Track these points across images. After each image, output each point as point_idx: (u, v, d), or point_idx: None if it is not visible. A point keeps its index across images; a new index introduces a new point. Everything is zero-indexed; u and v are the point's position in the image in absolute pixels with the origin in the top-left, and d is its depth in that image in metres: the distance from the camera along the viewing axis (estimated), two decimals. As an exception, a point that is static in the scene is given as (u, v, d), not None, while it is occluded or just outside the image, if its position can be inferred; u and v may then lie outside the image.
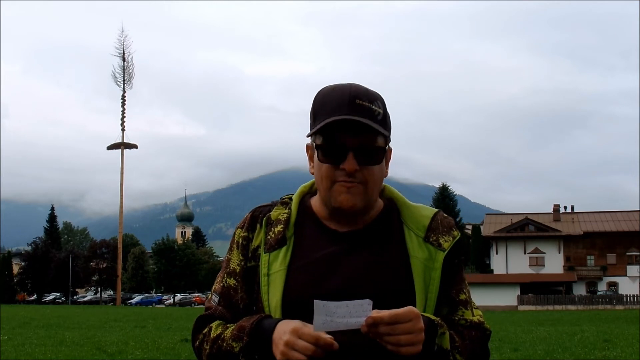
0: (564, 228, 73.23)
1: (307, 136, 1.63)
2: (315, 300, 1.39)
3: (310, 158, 1.66)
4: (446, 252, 1.64)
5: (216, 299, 1.68)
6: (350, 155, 1.55)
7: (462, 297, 1.68)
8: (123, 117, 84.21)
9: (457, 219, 79.05)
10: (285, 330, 1.46)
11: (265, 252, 1.63)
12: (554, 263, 71.81)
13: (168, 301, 79.71)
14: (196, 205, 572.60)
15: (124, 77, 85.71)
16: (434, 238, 1.65)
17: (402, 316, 1.42)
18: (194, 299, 78.64)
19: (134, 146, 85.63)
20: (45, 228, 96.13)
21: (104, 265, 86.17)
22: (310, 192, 1.73)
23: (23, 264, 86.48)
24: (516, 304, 62.05)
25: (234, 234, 1.71)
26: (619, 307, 56.77)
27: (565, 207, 78.70)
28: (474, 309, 1.69)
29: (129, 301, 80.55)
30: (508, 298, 63.20)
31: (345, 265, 1.59)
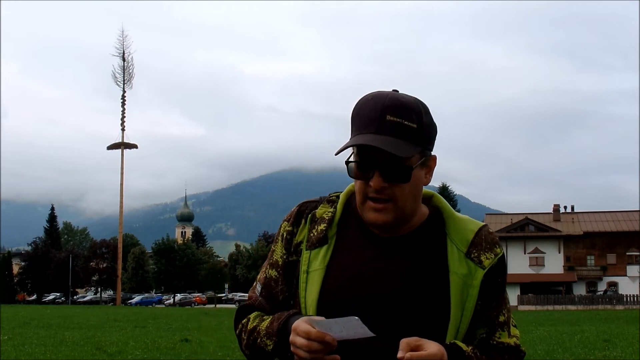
0: (564, 228, 73.24)
1: (335, 154, 1.63)
2: (311, 318, 1.49)
3: None
4: (486, 270, 1.62)
5: (259, 288, 1.72)
6: (377, 173, 1.56)
7: (502, 318, 1.66)
8: (123, 117, 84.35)
9: (457, 219, 79.08)
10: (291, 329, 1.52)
11: (306, 249, 1.65)
12: (554, 263, 71.83)
13: (168, 301, 79.74)
14: (196, 205, 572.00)
15: (124, 77, 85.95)
16: (475, 254, 1.63)
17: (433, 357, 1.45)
18: (194, 299, 78.69)
19: (134, 146, 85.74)
20: (45, 228, 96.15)
21: (104, 265, 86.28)
22: None
23: (23, 264, 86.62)
24: (516, 304, 62.04)
25: (280, 226, 1.74)
26: (619, 307, 56.79)
27: (565, 207, 78.75)
28: (511, 330, 1.68)
29: (129, 301, 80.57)
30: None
31: (383, 272, 1.60)
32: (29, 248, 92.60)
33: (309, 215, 1.69)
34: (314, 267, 1.63)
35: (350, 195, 1.71)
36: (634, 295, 59.88)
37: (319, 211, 1.69)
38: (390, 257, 1.62)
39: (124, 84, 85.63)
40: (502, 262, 1.66)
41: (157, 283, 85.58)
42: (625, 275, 70.37)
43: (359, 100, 1.62)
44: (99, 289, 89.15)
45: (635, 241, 70.59)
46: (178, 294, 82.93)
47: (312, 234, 1.66)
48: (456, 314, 1.58)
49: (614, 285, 70.10)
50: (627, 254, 70.96)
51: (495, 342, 1.64)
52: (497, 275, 1.65)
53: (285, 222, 1.73)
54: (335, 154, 1.62)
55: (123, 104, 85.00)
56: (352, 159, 1.61)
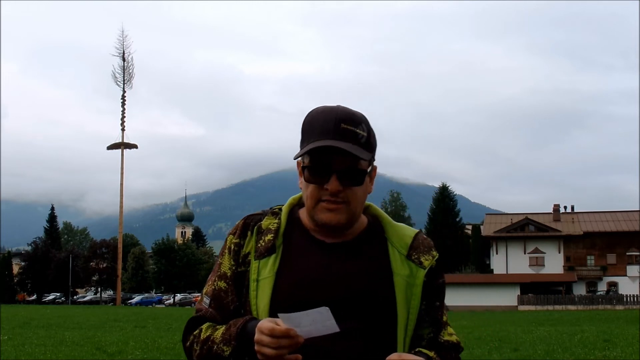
0: (564, 228, 73.24)
1: (294, 158, 1.72)
2: (279, 314, 1.53)
3: (300, 173, 1.75)
4: (426, 270, 1.75)
5: (207, 301, 1.78)
6: (334, 177, 1.65)
7: (445, 318, 1.80)
8: (123, 117, 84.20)
9: (457, 219, 79.12)
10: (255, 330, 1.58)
11: (255, 259, 1.73)
12: (554, 263, 71.83)
13: (168, 301, 79.80)
14: (196, 205, 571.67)
15: (124, 77, 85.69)
16: (416, 256, 1.76)
17: None
18: (194, 299, 78.60)
19: (134, 146, 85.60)
20: (45, 228, 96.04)
21: (104, 265, 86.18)
22: (299, 203, 1.82)
23: (23, 264, 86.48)
24: (516, 304, 62.05)
25: (226, 239, 1.81)
26: (619, 307, 56.79)
27: (565, 207, 78.73)
28: (449, 329, 1.81)
29: (129, 301, 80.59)
30: (508, 298, 63.18)
31: (331, 275, 1.69)
32: (29, 248, 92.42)
33: (255, 227, 1.76)
34: (263, 275, 1.70)
35: (293, 207, 1.81)
36: (634, 295, 59.88)
37: (264, 223, 1.77)
38: (337, 262, 1.71)
39: (124, 84, 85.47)
40: (440, 264, 1.80)
41: (157, 283, 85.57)
42: (625, 275, 70.36)
43: (308, 115, 1.73)
44: (99, 289, 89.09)
45: (635, 241, 70.58)
46: (178, 294, 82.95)
47: (259, 245, 1.74)
48: (403, 313, 1.70)
49: (614, 285, 70.09)
50: (627, 254, 70.94)
51: (442, 341, 1.76)
52: (438, 277, 1.79)
53: (231, 235, 1.80)
54: (295, 158, 1.72)
55: (123, 104, 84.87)
56: (306, 165, 1.69)
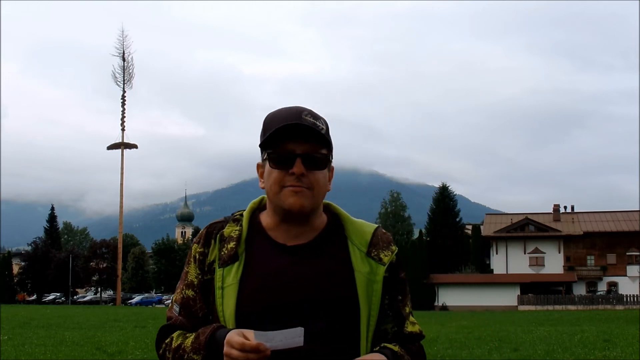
0: (564, 228, 73.23)
1: (259, 145, 1.76)
2: (255, 332, 1.57)
3: (261, 175, 1.81)
4: (386, 266, 1.78)
5: (177, 309, 1.82)
6: (298, 160, 1.71)
7: (407, 309, 1.84)
8: (123, 117, 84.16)
9: (457, 219, 79.06)
10: (224, 342, 1.62)
11: (219, 267, 1.77)
12: (554, 263, 71.82)
13: (168, 301, 79.58)
14: (196, 205, 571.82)
15: (124, 77, 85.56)
16: (375, 253, 1.80)
17: None
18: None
19: (134, 146, 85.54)
20: (45, 228, 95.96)
21: (104, 265, 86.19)
22: (260, 207, 1.87)
23: (23, 264, 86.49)
24: (516, 304, 62.09)
25: (191, 248, 1.85)
26: (619, 307, 56.79)
27: (565, 207, 78.72)
28: (411, 317, 1.85)
29: (129, 301, 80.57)
30: (508, 298, 63.23)
31: (293, 277, 1.73)
32: (29, 248, 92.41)
33: (218, 235, 1.81)
34: (227, 282, 1.74)
35: (253, 212, 1.85)
36: (634, 295, 59.91)
37: (226, 230, 1.81)
38: (299, 265, 1.75)
39: (124, 84, 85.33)
40: (399, 258, 1.85)
41: (157, 283, 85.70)
42: (625, 275, 70.34)
43: (268, 115, 1.78)
44: (99, 289, 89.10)
45: (635, 241, 70.57)
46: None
47: (222, 253, 1.78)
48: (365, 310, 1.74)
49: (614, 285, 70.08)
50: (627, 254, 70.93)
51: (407, 333, 1.81)
52: (399, 271, 1.84)
53: (195, 244, 1.84)
54: (259, 145, 1.76)
55: (123, 104, 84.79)
56: (270, 152, 1.74)
